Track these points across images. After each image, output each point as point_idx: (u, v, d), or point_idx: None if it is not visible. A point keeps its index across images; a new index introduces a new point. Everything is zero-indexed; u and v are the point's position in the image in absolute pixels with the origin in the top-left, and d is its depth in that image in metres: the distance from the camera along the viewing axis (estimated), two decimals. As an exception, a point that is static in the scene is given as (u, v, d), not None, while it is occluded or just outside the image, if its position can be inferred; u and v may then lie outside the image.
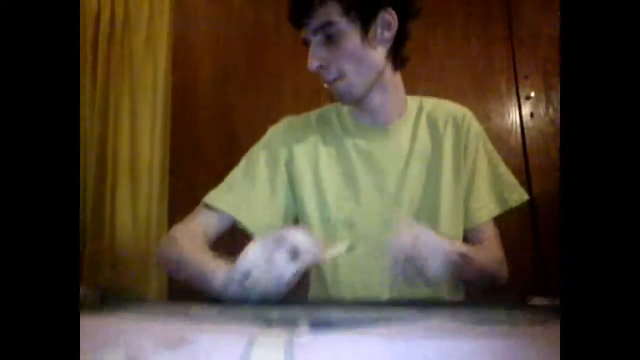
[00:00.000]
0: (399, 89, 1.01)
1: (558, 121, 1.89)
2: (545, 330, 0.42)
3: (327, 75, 0.90)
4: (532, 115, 1.92)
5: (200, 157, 2.01)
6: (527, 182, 1.86)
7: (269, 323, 0.46)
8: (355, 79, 0.90)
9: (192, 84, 2.08)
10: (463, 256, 0.77)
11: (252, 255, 0.65)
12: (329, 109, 1.06)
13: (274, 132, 1.04)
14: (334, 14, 0.85)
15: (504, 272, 0.97)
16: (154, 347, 0.33)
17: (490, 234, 1.00)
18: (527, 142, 1.89)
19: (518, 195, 1.01)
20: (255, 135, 1.08)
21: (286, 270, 0.64)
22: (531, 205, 1.83)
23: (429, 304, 0.64)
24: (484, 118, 1.93)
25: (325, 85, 0.93)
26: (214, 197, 0.97)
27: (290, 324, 0.44)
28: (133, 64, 1.99)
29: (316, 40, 0.88)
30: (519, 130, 1.91)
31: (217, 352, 0.34)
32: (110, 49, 2.00)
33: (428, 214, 0.95)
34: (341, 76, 0.90)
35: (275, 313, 0.50)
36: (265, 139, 1.04)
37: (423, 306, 0.53)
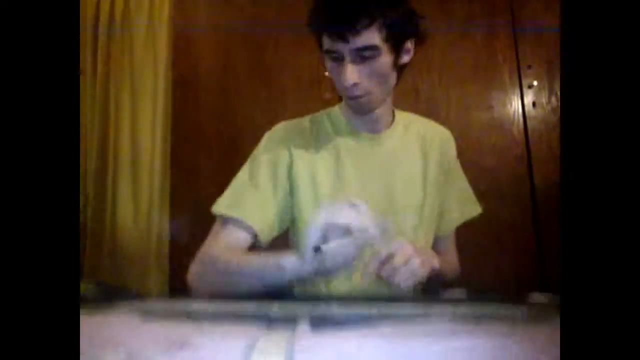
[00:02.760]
0: (391, 100, 1.07)
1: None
2: (545, 328, 0.42)
3: (354, 91, 0.94)
4: (534, 104, 1.91)
5: (201, 154, 2.01)
6: (528, 171, 1.86)
7: (269, 321, 0.46)
8: (377, 96, 0.97)
9: (192, 81, 2.07)
10: (435, 271, 0.86)
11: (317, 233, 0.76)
12: (320, 114, 1.10)
13: (272, 136, 1.06)
14: (377, 38, 0.89)
15: (456, 276, 1.13)
16: (155, 348, 0.33)
17: (451, 241, 1.18)
18: (529, 131, 1.89)
19: (475, 208, 1.16)
20: (255, 130, 1.08)
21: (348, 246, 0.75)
22: (532, 194, 1.83)
23: (429, 302, 0.64)
24: (486, 107, 1.92)
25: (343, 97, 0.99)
26: (227, 207, 0.97)
27: (291, 321, 0.44)
28: (133, 62, 1.98)
29: (352, 58, 0.91)
30: (521, 119, 1.90)
31: (219, 354, 0.34)
32: (110, 48, 2.00)
33: (412, 220, 1.03)
34: (367, 94, 0.95)
35: (275, 310, 0.49)
36: (263, 144, 1.05)
37: (423, 304, 0.53)
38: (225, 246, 0.95)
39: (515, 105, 1.92)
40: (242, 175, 1.02)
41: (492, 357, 0.32)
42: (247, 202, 0.97)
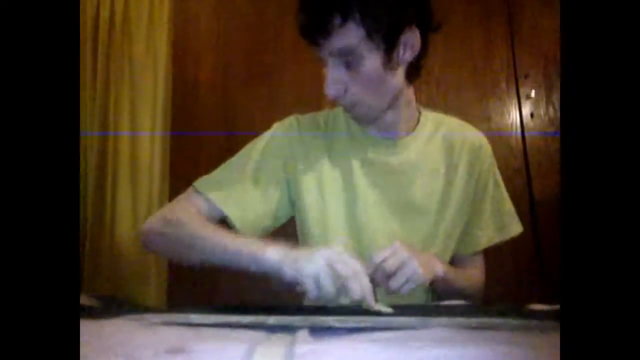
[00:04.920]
0: (411, 104, 0.96)
1: (558, 121, 1.89)
2: (545, 336, 0.42)
3: (343, 100, 0.85)
4: (532, 114, 1.92)
5: (200, 157, 2.01)
6: (527, 183, 1.86)
7: (268, 330, 0.46)
8: (372, 103, 0.86)
9: (192, 84, 2.08)
10: (440, 280, 0.83)
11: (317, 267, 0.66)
12: (339, 112, 1.00)
13: (278, 129, 0.99)
14: (354, 37, 0.78)
15: (480, 296, 1.01)
16: (154, 354, 0.33)
17: (478, 263, 1.04)
18: (527, 141, 1.89)
19: (515, 227, 1.03)
20: (256, 135, 1.06)
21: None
22: (531, 206, 1.83)
23: (428, 310, 0.64)
24: (483, 117, 1.93)
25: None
26: (206, 185, 0.92)
27: (290, 330, 0.44)
28: (133, 64, 1.98)
29: (333, 62, 0.81)
30: (519, 130, 1.91)
31: (219, 359, 0.34)
32: (110, 49, 2.00)
33: (425, 233, 0.95)
34: (360, 103, 0.85)
35: (274, 319, 0.49)
36: (267, 136, 0.98)
37: (422, 312, 0.53)
38: (194, 214, 0.88)
39: (512, 115, 1.93)
40: (232, 163, 0.96)
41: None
42: (228, 190, 0.90)
